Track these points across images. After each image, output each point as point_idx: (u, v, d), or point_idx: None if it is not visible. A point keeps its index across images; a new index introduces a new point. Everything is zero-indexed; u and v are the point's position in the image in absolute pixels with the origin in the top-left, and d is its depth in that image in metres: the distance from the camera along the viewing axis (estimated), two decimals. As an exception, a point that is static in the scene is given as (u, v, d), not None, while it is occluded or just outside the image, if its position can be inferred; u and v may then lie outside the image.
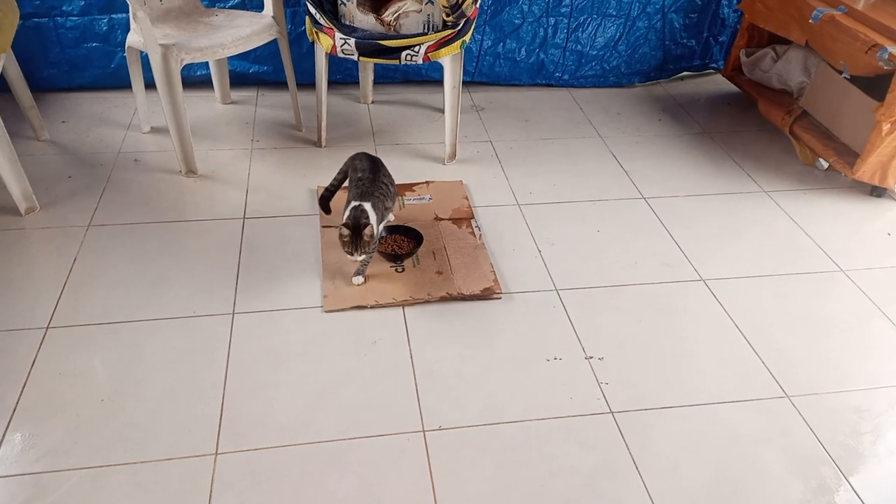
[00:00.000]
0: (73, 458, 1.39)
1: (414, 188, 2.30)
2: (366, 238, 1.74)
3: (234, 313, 1.77)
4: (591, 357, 1.70)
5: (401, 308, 1.82)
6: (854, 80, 2.32)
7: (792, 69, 2.66)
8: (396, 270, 1.93)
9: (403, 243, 2.02)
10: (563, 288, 1.91)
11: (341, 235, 1.75)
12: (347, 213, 1.77)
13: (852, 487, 1.43)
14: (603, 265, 2.01)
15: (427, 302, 1.84)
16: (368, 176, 1.85)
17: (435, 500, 1.36)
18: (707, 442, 1.51)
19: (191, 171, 2.32)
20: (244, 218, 2.13)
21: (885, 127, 2.13)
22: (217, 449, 1.43)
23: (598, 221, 2.20)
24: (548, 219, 2.20)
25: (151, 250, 1.97)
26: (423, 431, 1.50)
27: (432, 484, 1.39)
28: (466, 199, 2.26)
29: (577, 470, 1.44)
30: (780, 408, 1.60)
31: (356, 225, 1.73)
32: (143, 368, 1.61)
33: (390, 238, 2.03)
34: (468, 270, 1.94)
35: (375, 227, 1.77)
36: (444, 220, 2.15)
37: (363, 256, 1.79)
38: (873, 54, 2.11)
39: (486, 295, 1.87)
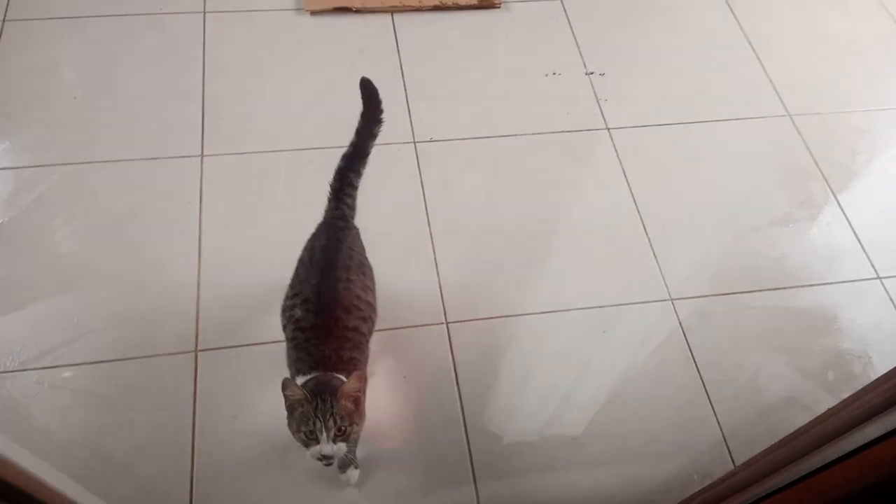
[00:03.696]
0: (53, 153, 1.35)
1: None
2: (344, 402, 0.85)
3: (204, 12, 1.60)
4: (592, 73, 1.61)
5: (389, 14, 1.66)
6: None
7: None
8: (385, -28, 1.73)
9: (392, -59, 1.79)
10: (568, -2, 1.75)
11: (291, 403, 0.85)
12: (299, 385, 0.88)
13: (838, 202, 1.45)
14: (614, -26, 1.82)
15: (418, 10, 1.68)
16: (314, 321, 0.93)
17: (425, 202, 1.37)
18: (701, 158, 1.50)
19: None
20: None
21: None
22: (202, 151, 1.39)
23: (614, -77, 1.94)
24: (557, -82, 1.93)
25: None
26: (414, 142, 1.46)
27: (422, 189, 1.39)
28: None
29: (567, 181, 1.44)
30: (780, 126, 1.56)
31: (321, 389, 0.86)
32: (114, 67, 1.50)
33: (377, -66, 1.78)
34: (465, -24, 1.75)
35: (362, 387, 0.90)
36: (438, -85, 1.88)
37: (338, 445, 0.85)
38: None
39: (484, 4, 1.70)
